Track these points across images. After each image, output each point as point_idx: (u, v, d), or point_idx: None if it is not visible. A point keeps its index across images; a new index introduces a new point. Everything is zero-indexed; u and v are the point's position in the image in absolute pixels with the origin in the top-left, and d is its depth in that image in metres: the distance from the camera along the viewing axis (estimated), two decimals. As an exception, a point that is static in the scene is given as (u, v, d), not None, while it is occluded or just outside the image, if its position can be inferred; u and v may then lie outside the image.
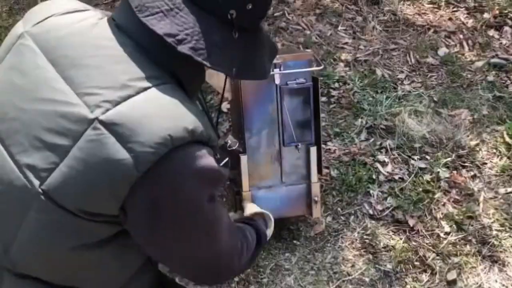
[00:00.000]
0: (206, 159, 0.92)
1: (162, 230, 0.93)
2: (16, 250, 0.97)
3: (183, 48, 0.92)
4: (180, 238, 0.96)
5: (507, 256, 1.91)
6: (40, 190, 0.89)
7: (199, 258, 1.02)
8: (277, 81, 1.69)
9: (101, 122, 0.86)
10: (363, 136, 2.36)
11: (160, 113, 0.88)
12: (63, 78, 0.91)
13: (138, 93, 0.89)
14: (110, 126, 0.86)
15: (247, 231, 1.24)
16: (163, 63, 0.96)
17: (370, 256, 1.92)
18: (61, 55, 0.94)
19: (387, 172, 2.20)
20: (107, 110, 0.87)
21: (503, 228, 2.00)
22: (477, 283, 1.83)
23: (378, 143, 2.33)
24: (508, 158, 2.26)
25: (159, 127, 0.86)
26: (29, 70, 0.95)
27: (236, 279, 1.84)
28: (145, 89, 0.90)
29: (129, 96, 0.88)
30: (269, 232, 1.41)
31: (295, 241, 1.96)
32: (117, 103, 0.87)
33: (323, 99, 2.46)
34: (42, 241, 0.94)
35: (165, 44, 0.92)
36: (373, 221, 2.03)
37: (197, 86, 1.08)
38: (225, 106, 2.48)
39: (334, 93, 2.57)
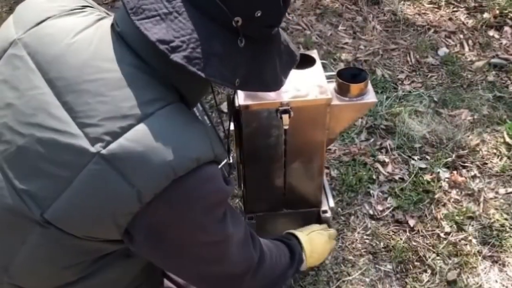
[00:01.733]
0: (211, 183, 0.90)
1: (166, 253, 0.94)
2: (15, 269, 0.97)
3: (176, 57, 0.84)
4: (185, 260, 0.96)
5: (507, 256, 1.91)
6: (42, 218, 0.88)
7: (208, 274, 1.01)
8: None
9: (103, 157, 0.84)
10: (363, 136, 2.36)
11: (162, 144, 0.84)
12: (61, 103, 0.88)
13: (140, 121, 0.85)
14: (111, 161, 0.84)
15: (274, 247, 1.22)
16: (164, 76, 0.90)
17: (370, 256, 1.91)
18: (58, 76, 0.89)
19: (387, 172, 2.20)
20: (108, 143, 0.84)
21: (504, 228, 1.99)
22: (477, 283, 1.83)
23: (378, 143, 2.33)
24: (508, 158, 2.26)
25: (161, 160, 0.83)
26: (24, 89, 0.91)
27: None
28: (147, 116, 0.86)
29: (130, 126, 0.85)
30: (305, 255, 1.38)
31: (295, 241, 1.95)
32: (118, 135, 0.84)
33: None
34: (45, 260, 0.94)
35: (159, 53, 0.85)
36: (373, 221, 2.03)
37: (199, 97, 1.02)
38: (226, 106, 2.48)
39: (334, 93, 2.57)
